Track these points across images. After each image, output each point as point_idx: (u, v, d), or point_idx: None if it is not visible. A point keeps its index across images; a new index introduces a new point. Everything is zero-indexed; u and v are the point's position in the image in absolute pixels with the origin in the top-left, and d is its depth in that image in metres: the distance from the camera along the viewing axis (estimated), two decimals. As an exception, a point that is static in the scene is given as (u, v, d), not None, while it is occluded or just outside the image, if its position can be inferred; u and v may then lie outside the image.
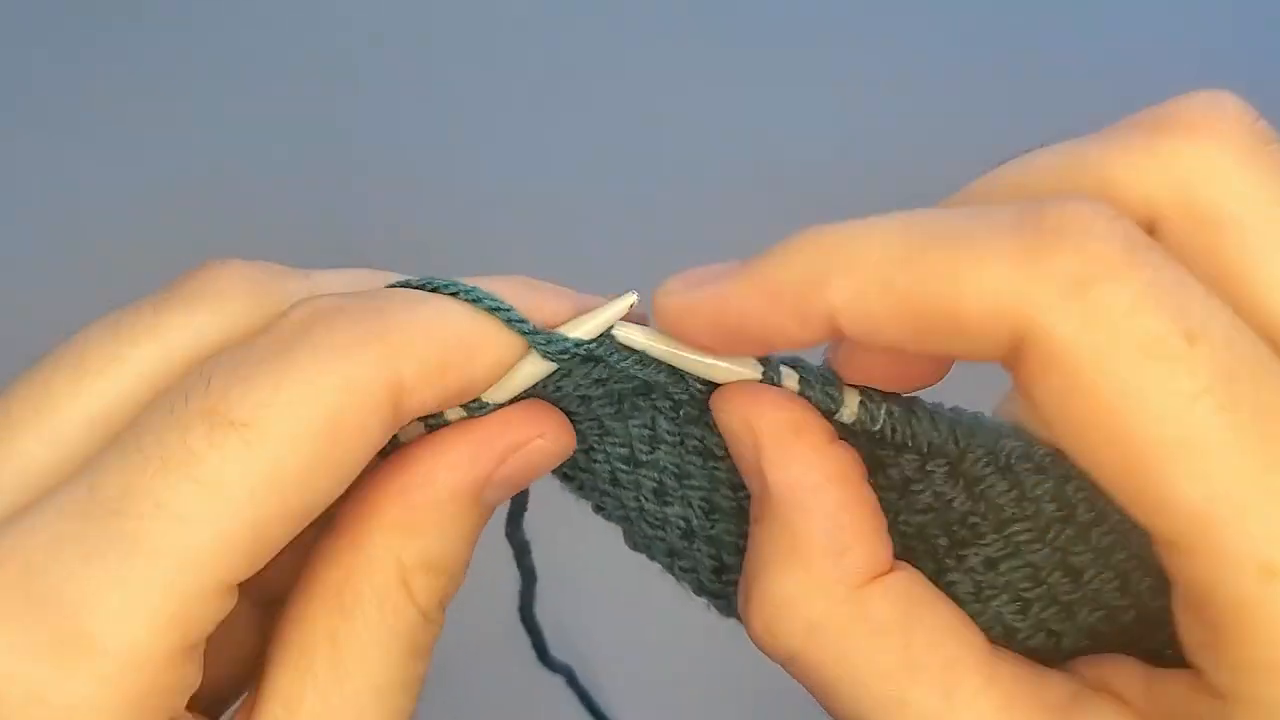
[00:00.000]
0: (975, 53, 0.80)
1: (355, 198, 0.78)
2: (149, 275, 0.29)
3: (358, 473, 0.25)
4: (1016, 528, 0.28)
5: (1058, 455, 0.27)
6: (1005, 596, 0.28)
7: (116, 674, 0.22)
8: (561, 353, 0.28)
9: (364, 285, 0.28)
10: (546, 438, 0.28)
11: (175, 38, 0.81)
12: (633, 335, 0.28)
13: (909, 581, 0.27)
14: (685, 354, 0.28)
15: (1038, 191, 0.25)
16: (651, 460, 0.31)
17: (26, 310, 0.62)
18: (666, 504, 0.31)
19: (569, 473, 0.32)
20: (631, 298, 0.28)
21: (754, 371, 0.28)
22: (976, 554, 0.28)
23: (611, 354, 0.28)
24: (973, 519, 0.28)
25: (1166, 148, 0.24)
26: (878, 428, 0.28)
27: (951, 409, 0.29)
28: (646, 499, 0.31)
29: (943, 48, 0.81)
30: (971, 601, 0.28)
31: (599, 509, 0.33)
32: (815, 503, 0.26)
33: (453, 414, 0.28)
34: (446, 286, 0.27)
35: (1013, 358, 0.22)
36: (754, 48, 0.82)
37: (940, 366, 0.27)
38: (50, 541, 0.23)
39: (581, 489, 0.32)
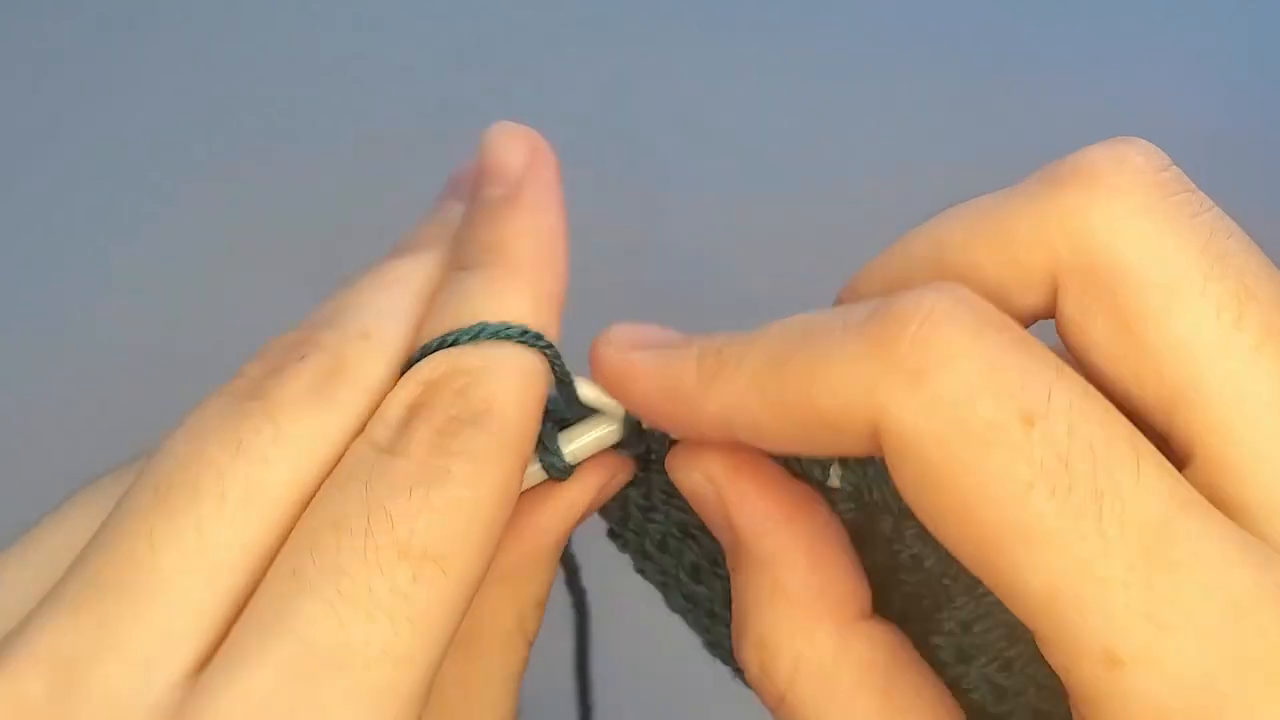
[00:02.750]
0: (971, 59, 0.80)
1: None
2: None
3: None
4: (982, 588, 0.26)
5: None
6: (984, 657, 0.28)
7: None
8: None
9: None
10: (619, 479, 0.31)
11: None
12: (586, 391, 0.29)
13: (890, 634, 0.27)
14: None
15: (946, 257, 0.25)
16: (701, 535, 0.31)
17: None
18: (698, 583, 0.32)
19: (620, 530, 0.33)
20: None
21: None
22: (950, 617, 0.28)
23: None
24: (945, 580, 0.28)
25: (1064, 203, 0.24)
26: (865, 494, 0.28)
27: None
28: (683, 572, 0.32)
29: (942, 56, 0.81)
30: (955, 664, 0.28)
31: (639, 570, 0.33)
32: (790, 540, 0.27)
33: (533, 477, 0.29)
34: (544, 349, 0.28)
35: (877, 450, 0.23)
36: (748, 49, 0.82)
37: None
38: (269, 694, 0.22)
39: (627, 546, 0.33)
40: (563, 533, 0.30)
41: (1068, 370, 0.22)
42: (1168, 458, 0.22)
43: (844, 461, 0.28)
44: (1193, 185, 0.24)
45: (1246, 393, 0.22)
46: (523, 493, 0.29)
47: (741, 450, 0.27)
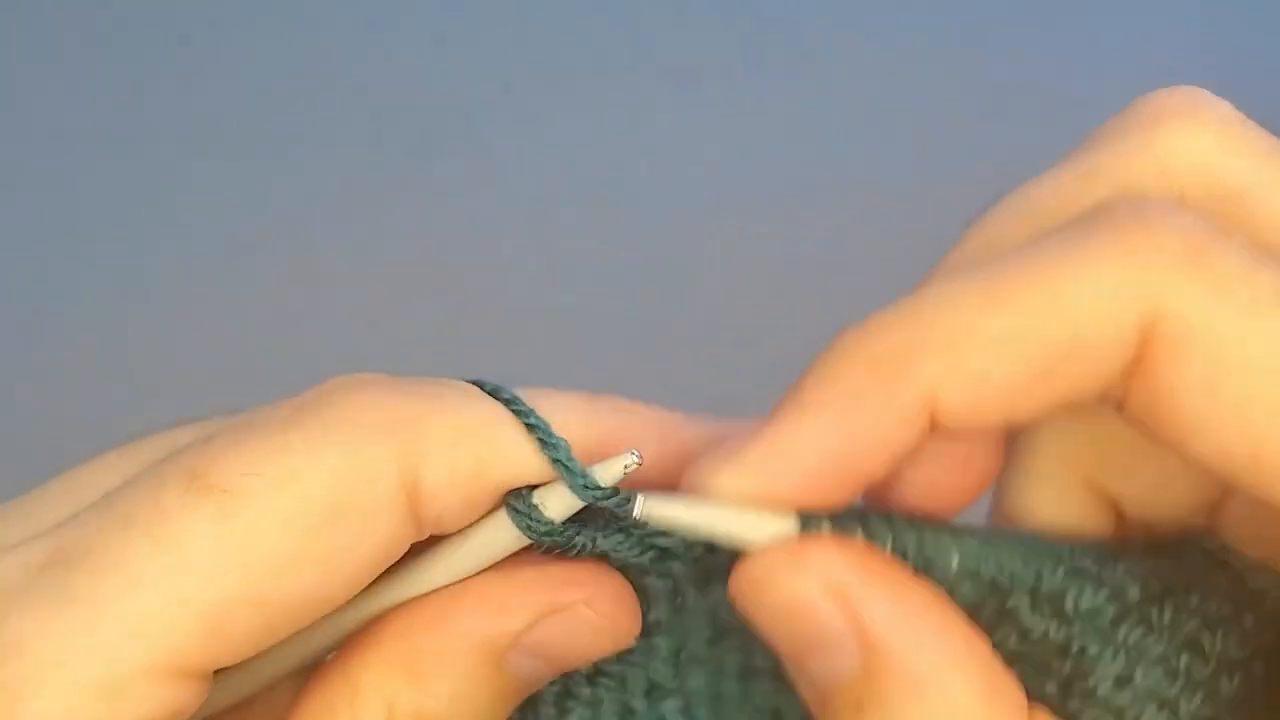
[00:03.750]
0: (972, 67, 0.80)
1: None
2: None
3: (358, 576, 0.22)
4: (1123, 628, 0.24)
5: (1107, 543, 0.25)
6: (1152, 706, 0.25)
7: None
8: (592, 492, 0.23)
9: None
10: (596, 608, 0.24)
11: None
12: (656, 510, 0.23)
13: None
14: (729, 513, 0.22)
15: (1055, 214, 0.24)
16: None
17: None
18: None
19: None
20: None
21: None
22: (1102, 680, 0.24)
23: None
24: (1076, 645, 0.24)
25: (1177, 136, 0.25)
26: (985, 573, 0.23)
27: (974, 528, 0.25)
28: None
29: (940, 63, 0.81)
30: None
31: None
32: (957, 647, 0.22)
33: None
34: (504, 396, 0.24)
35: (1134, 362, 0.21)
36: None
37: (991, 469, 0.25)
38: (16, 571, 0.21)
39: None
40: (483, 637, 0.23)
41: None
42: None
43: (962, 549, 0.23)
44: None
45: None
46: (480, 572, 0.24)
47: (859, 546, 0.22)
